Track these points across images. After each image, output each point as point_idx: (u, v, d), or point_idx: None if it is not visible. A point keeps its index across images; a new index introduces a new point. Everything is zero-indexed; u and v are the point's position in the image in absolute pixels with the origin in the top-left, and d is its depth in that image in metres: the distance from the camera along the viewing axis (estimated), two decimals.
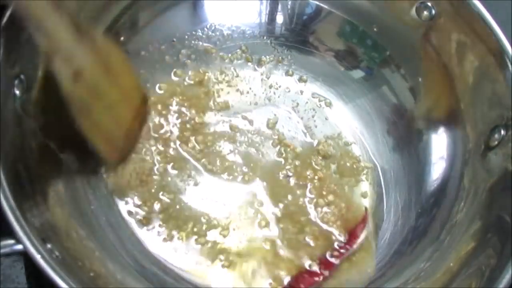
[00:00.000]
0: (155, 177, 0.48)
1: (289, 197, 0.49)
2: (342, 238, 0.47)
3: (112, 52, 0.43)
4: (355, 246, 0.47)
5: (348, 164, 0.52)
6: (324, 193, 0.49)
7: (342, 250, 0.47)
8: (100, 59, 0.41)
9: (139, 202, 0.47)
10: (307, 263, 0.46)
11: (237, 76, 0.56)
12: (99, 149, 0.43)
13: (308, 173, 0.50)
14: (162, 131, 0.50)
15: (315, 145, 0.53)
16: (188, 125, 0.51)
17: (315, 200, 0.49)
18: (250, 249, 0.46)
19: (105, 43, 0.42)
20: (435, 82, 0.51)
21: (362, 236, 0.48)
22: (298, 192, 0.49)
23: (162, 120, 0.51)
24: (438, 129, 0.50)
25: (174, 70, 0.53)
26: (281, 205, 0.49)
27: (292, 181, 0.50)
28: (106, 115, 0.43)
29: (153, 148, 0.49)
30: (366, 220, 0.49)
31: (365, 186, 0.52)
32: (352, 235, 0.48)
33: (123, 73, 0.44)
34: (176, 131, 0.51)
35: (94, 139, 0.42)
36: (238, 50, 0.56)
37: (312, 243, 0.47)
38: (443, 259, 0.42)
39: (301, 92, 0.56)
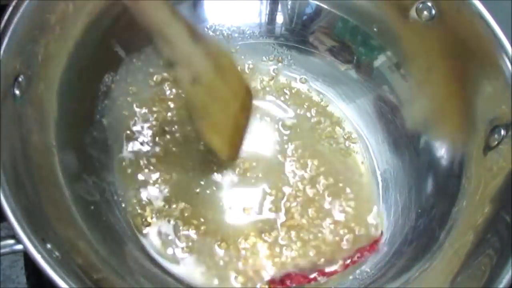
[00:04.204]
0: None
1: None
2: (349, 253, 0.48)
3: (220, 51, 0.43)
4: (360, 262, 0.47)
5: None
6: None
7: (347, 261, 0.47)
8: (212, 60, 0.41)
9: (140, 202, 0.47)
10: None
11: None
12: (218, 149, 0.45)
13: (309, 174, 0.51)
14: (167, 128, 0.51)
15: (314, 144, 0.53)
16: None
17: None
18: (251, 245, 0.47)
19: (212, 42, 0.43)
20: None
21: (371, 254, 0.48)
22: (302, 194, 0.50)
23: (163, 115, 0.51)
24: (438, 129, 0.50)
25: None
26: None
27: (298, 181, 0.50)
28: (221, 114, 0.44)
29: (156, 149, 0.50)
30: (379, 242, 0.49)
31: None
32: (360, 252, 0.48)
33: (230, 70, 0.44)
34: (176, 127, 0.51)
35: (212, 140, 0.44)
36: (238, 50, 0.56)
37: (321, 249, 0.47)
38: (443, 259, 0.42)
39: (301, 92, 0.56)
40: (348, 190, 0.51)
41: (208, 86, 0.41)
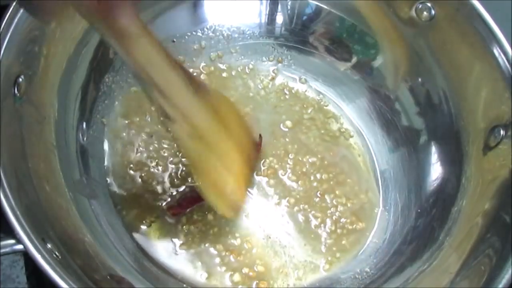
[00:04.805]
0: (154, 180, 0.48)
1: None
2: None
3: (221, 101, 0.40)
4: None
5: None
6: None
7: None
8: (212, 110, 0.38)
9: (140, 202, 0.47)
10: None
11: (237, 76, 0.56)
12: (217, 206, 0.42)
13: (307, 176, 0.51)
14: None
15: (314, 145, 0.53)
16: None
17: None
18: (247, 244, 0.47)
19: (213, 92, 0.40)
20: None
21: None
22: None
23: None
24: (438, 129, 0.50)
25: None
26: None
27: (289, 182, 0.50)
28: (221, 168, 0.40)
29: (151, 148, 0.50)
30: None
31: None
32: None
33: (233, 121, 0.42)
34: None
35: (211, 196, 0.41)
36: (238, 50, 0.56)
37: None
38: (443, 259, 0.42)
39: (301, 92, 0.56)
40: (348, 188, 0.51)
41: (208, 140, 0.38)
